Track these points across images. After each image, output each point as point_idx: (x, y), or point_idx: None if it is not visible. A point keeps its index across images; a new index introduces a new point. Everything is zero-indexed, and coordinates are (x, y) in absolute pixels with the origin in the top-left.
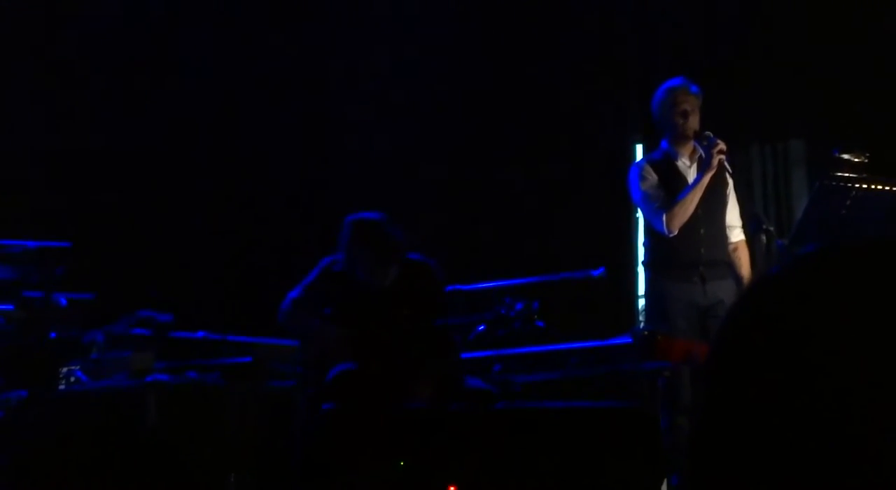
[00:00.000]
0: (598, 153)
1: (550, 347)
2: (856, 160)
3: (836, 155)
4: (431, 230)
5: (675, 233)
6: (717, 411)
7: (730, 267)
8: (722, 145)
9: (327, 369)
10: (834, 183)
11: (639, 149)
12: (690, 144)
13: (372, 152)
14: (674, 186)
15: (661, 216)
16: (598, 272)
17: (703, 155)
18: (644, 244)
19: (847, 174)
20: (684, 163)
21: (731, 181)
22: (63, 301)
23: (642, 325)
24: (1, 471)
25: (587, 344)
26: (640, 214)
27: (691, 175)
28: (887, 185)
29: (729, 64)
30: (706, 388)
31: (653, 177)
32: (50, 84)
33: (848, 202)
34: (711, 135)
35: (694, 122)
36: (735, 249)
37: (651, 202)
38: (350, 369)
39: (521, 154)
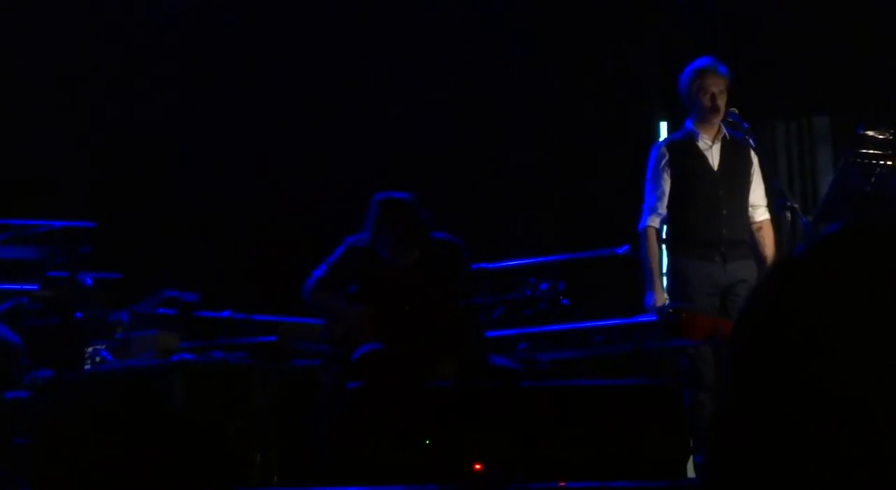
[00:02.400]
0: (623, 131)
1: (575, 325)
2: (881, 136)
3: (861, 131)
4: (456, 209)
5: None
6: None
7: (753, 247)
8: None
9: (353, 348)
10: (859, 159)
11: (663, 126)
12: (715, 125)
13: (398, 131)
14: (691, 166)
15: (647, 217)
16: (622, 250)
17: (728, 135)
18: (666, 223)
19: (872, 150)
20: (705, 143)
21: (755, 160)
22: (88, 281)
23: (667, 303)
24: (26, 451)
25: (612, 322)
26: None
27: (711, 156)
28: None
29: (752, 40)
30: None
31: (666, 180)
32: (74, 63)
33: (873, 179)
34: (736, 111)
35: (721, 103)
36: (759, 229)
37: (650, 195)
38: (376, 348)
39: (546, 132)
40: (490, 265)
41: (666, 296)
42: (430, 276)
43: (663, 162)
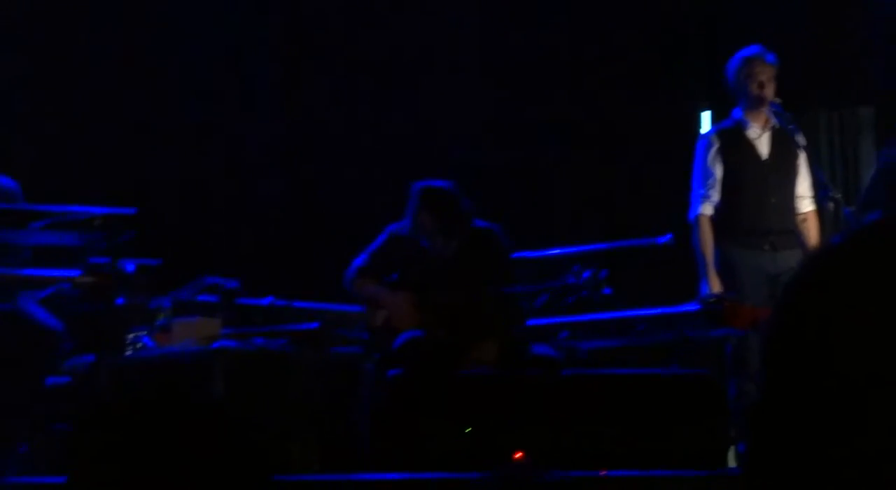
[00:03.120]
0: (665, 120)
1: (617, 314)
2: None
3: None
4: (499, 198)
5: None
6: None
7: (799, 237)
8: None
9: (394, 336)
10: None
11: (705, 116)
12: (763, 114)
13: (440, 118)
14: (741, 155)
15: (698, 205)
16: (664, 239)
17: (776, 123)
18: (714, 211)
19: None
20: (755, 132)
21: (802, 152)
22: (130, 267)
23: (710, 291)
24: (66, 436)
25: (654, 311)
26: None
27: (761, 144)
28: None
29: (796, 29)
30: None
31: (717, 168)
32: (115, 48)
33: None
34: (779, 101)
35: (769, 92)
36: (805, 220)
37: (700, 184)
38: (417, 336)
39: (589, 120)
40: (532, 254)
41: (719, 285)
42: (470, 263)
43: (713, 150)
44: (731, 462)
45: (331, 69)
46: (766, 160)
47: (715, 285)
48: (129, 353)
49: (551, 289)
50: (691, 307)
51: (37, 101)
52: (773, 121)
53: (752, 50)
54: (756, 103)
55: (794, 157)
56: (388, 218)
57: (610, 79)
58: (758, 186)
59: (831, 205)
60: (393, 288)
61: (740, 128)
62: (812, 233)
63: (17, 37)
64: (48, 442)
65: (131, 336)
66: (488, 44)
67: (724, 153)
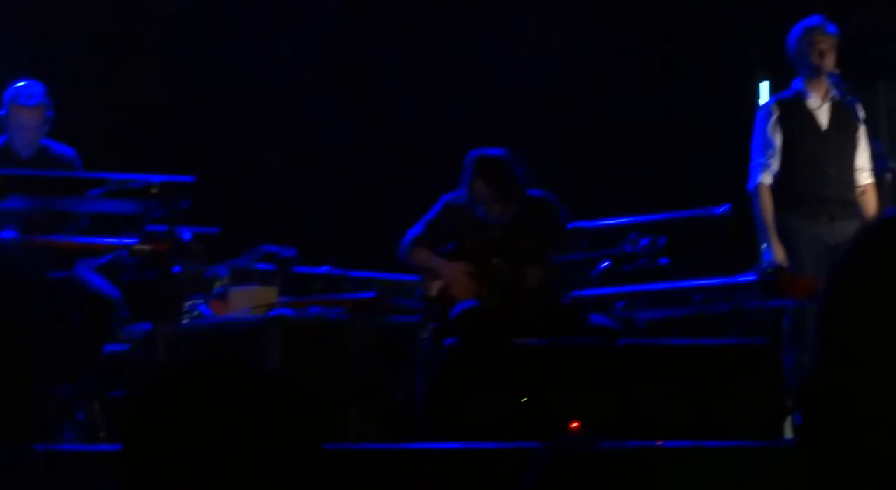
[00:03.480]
0: (723, 90)
1: (675, 284)
2: None
3: None
4: (556, 167)
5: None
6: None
7: (858, 208)
8: None
9: (450, 305)
10: None
11: (763, 86)
12: (824, 84)
13: (496, 87)
14: (801, 125)
15: (758, 174)
16: (722, 209)
17: (836, 94)
18: (773, 181)
19: None
20: (815, 102)
21: (861, 123)
22: (187, 235)
23: (773, 259)
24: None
25: (712, 281)
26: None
27: (820, 114)
28: None
29: (855, 0)
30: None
31: (777, 137)
32: (173, 14)
33: None
34: (838, 72)
35: (829, 62)
36: (863, 192)
37: (760, 153)
38: (473, 305)
39: (646, 91)
40: (589, 224)
41: (783, 252)
42: (526, 232)
43: (773, 119)
44: (788, 433)
45: (391, 37)
46: (826, 130)
47: (778, 253)
48: (185, 321)
49: (609, 257)
50: (749, 277)
51: (97, 70)
52: (833, 92)
53: (813, 20)
54: (816, 73)
55: (853, 129)
56: (446, 187)
57: (670, 49)
58: (816, 156)
59: (889, 176)
60: (448, 258)
61: (800, 98)
62: (871, 205)
63: (84, 4)
64: (105, 409)
65: (188, 304)
66: (546, 12)
67: (784, 123)
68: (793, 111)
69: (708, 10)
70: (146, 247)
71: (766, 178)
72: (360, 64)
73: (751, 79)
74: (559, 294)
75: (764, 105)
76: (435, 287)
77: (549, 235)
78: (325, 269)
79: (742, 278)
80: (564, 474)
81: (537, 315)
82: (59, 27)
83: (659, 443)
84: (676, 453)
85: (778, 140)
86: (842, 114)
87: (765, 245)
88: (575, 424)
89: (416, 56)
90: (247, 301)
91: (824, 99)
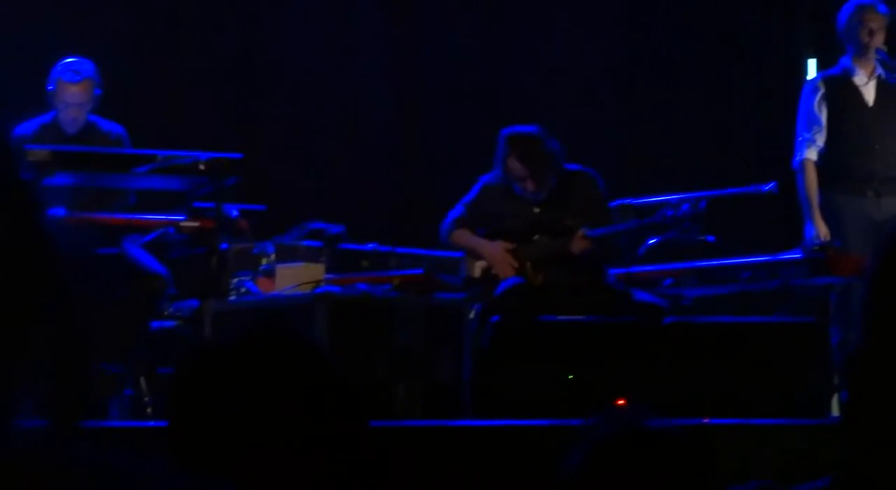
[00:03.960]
0: (771, 67)
1: (721, 262)
2: None
3: None
4: (601, 143)
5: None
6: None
7: None
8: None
9: (493, 286)
10: None
11: (811, 63)
12: (871, 62)
13: (543, 68)
14: (846, 101)
15: (803, 150)
16: (768, 187)
17: (883, 73)
18: (818, 157)
19: None
20: (861, 79)
21: None
22: (234, 212)
23: (815, 236)
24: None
25: (758, 258)
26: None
27: (867, 92)
28: None
29: None
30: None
31: (822, 113)
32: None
33: None
34: (885, 50)
35: (879, 41)
36: None
37: (805, 129)
38: (518, 283)
39: (692, 68)
40: (634, 200)
41: (826, 229)
42: (565, 207)
43: (819, 95)
44: (834, 410)
45: (441, 17)
46: (872, 107)
47: (821, 230)
48: (232, 297)
49: (650, 225)
50: (795, 255)
51: (143, 47)
52: (880, 70)
53: None
54: (864, 51)
55: None
56: (490, 165)
57: (717, 24)
58: (862, 133)
59: None
60: (489, 237)
61: (847, 75)
62: None
63: None
64: (152, 386)
65: (235, 281)
66: None
67: (830, 99)
68: (839, 88)
69: None
70: (193, 223)
71: (811, 155)
72: (409, 41)
73: (798, 56)
74: (605, 271)
75: (810, 81)
76: (478, 267)
77: (588, 209)
78: (371, 245)
79: (789, 255)
80: (615, 450)
81: (583, 292)
82: (106, 2)
83: (706, 420)
84: (723, 431)
85: (823, 116)
86: (888, 91)
87: (808, 222)
88: (621, 401)
89: (464, 35)
90: (293, 278)
91: (870, 76)
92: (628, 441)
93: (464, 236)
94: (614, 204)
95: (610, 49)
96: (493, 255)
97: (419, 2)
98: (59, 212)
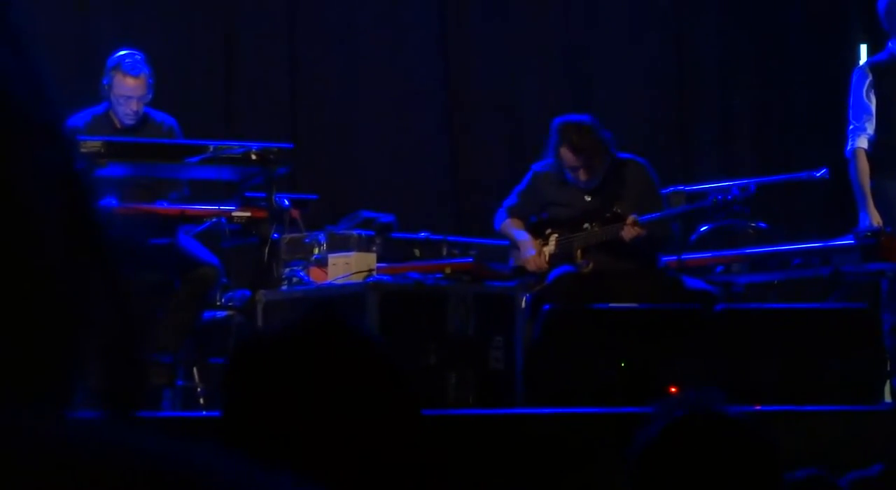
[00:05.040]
0: (824, 53)
1: (772, 248)
2: None
3: None
4: (654, 133)
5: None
6: None
7: None
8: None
9: (546, 271)
10: None
11: (863, 49)
12: None
13: (599, 55)
14: (894, 87)
15: (855, 139)
16: (820, 173)
17: None
18: (869, 144)
19: None
20: None
21: None
22: (286, 202)
23: (869, 224)
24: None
25: (810, 245)
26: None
27: None
28: None
29: None
30: None
31: (872, 100)
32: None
33: None
34: None
35: None
36: None
37: (856, 117)
38: (570, 271)
39: (746, 56)
40: (686, 187)
41: (878, 216)
42: (616, 196)
43: (867, 83)
44: (888, 397)
45: (487, 11)
46: None
47: (875, 218)
48: (284, 287)
49: (700, 209)
50: (847, 241)
51: (194, 37)
52: None
53: None
54: None
55: None
56: (542, 152)
57: (768, 9)
58: None
59: None
60: (542, 226)
61: (893, 59)
62: None
63: None
64: (204, 376)
65: (287, 271)
66: None
67: (878, 85)
68: (886, 73)
69: None
70: (245, 213)
71: (862, 142)
72: (457, 34)
73: (851, 42)
74: (656, 258)
75: (858, 68)
76: (519, 259)
77: (640, 197)
78: (423, 234)
79: (840, 242)
80: (687, 430)
81: (634, 279)
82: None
83: (758, 407)
84: (776, 417)
85: (872, 103)
86: None
87: (862, 211)
88: (673, 389)
89: (510, 30)
90: (345, 267)
91: None
92: (700, 423)
93: (508, 226)
94: (666, 191)
95: (660, 37)
96: (523, 252)
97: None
98: (111, 202)
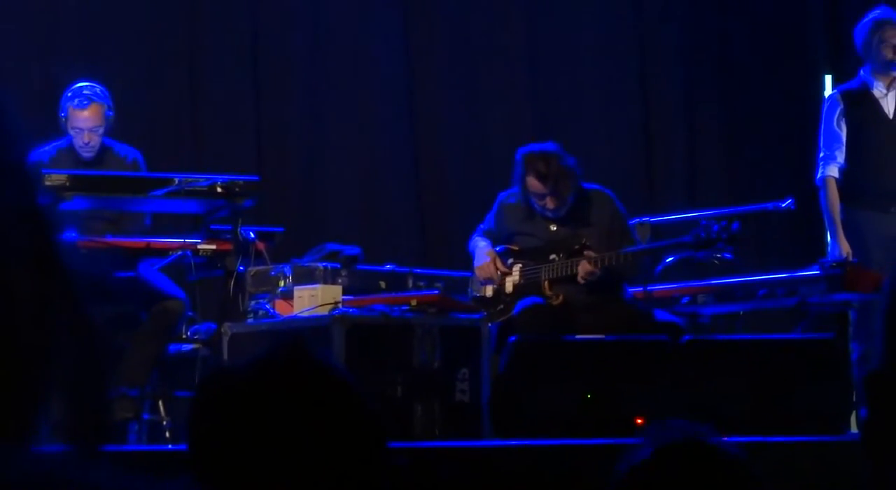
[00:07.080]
0: (786, 83)
1: (739, 279)
2: None
3: None
4: (618, 162)
5: (822, 185)
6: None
7: None
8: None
9: (503, 302)
10: None
11: (828, 79)
12: (891, 75)
13: (560, 82)
14: (866, 114)
15: (825, 167)
16: (786, 203)
17: None
18: (839, 173)
19: None
20: (880, 91)
21: None
22: (251, 235)
23: (839, 254)
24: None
25: (776, 275)
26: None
27: (886, 104)
28: None
29: None
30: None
31: (842, 128)
32: (238, 13)
33: None
34: None
35: None
36: None
37: (826, 145)
38: (536, 302)
39: (710, 86)
40: (653, 218)
41: (848, 246)
42: (583, 225)
43: (838, 111)
44: (854, 428)
45: (455, 45)
46: (892, 120)
47: (845, 248)
48: (250, 320)
49: (682, 244)
50: (813, 272)
51: (159, 71)
52: None
53: (882, 13)
54: (886, 67)
55: None
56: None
57: (729, 41)
58: (883, 146)
59: None
60: (506, 255)
61: (866, 87)
62: None
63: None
64: (171, 410)
65: (252, 303)
66: (611, 4)
67: (849, 113)
68: (857, 101)
69: (773, 4)
70: (210, 246)
71: (832, 171)
72: (421, 63)
73: (815, 72)
74: (623, 289)
75: (829, 97)
76: (488, 287)
77: (607, 227)
78: (388, 266)
79: (806, 272)
80: (671, 459)
81: (601, 311)
82: (117, 28)
83: (723, 438)
84: (742, 449)
85: (843, 132)
86: None
87: (833, 240)
88: (640, 421)
89: (475, 56)
90: (311, 300)
91: (890, 88)
92: (685, 451)
93: (475, 244)
94: (631, 222)
95: (626, 66)
96: (477, 259)
97: (435, 34)
98: (73, 236)
